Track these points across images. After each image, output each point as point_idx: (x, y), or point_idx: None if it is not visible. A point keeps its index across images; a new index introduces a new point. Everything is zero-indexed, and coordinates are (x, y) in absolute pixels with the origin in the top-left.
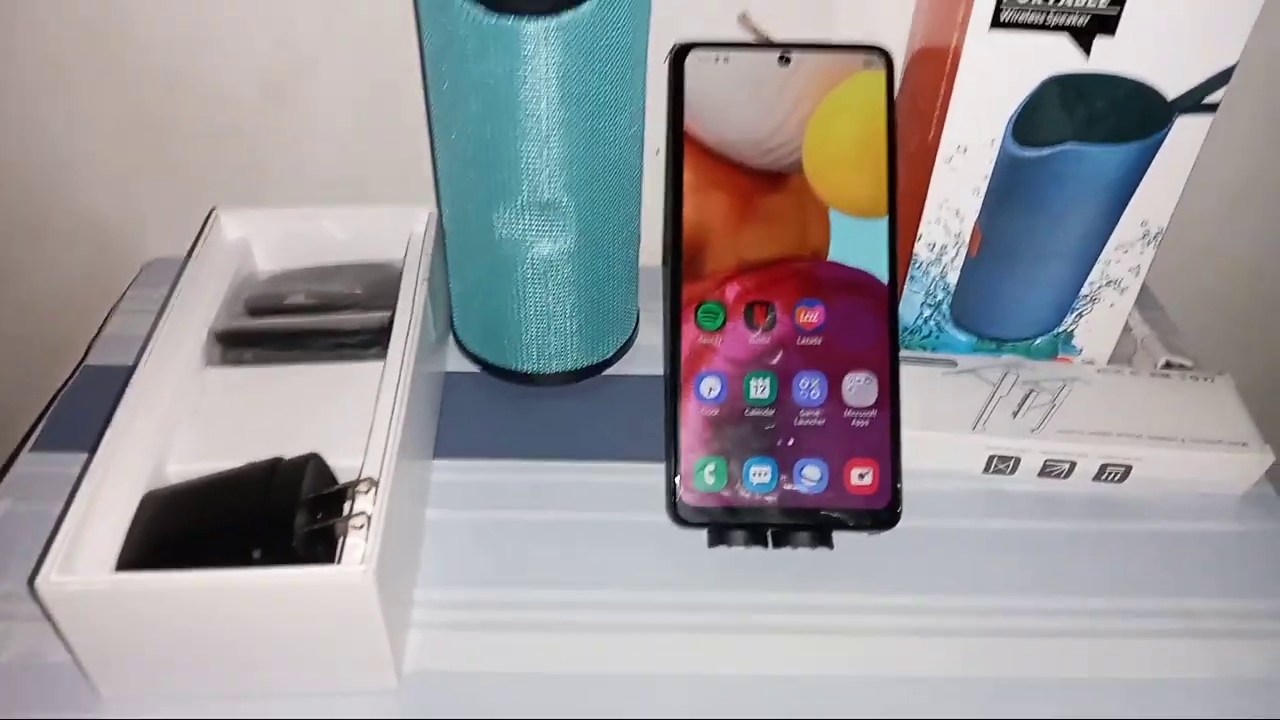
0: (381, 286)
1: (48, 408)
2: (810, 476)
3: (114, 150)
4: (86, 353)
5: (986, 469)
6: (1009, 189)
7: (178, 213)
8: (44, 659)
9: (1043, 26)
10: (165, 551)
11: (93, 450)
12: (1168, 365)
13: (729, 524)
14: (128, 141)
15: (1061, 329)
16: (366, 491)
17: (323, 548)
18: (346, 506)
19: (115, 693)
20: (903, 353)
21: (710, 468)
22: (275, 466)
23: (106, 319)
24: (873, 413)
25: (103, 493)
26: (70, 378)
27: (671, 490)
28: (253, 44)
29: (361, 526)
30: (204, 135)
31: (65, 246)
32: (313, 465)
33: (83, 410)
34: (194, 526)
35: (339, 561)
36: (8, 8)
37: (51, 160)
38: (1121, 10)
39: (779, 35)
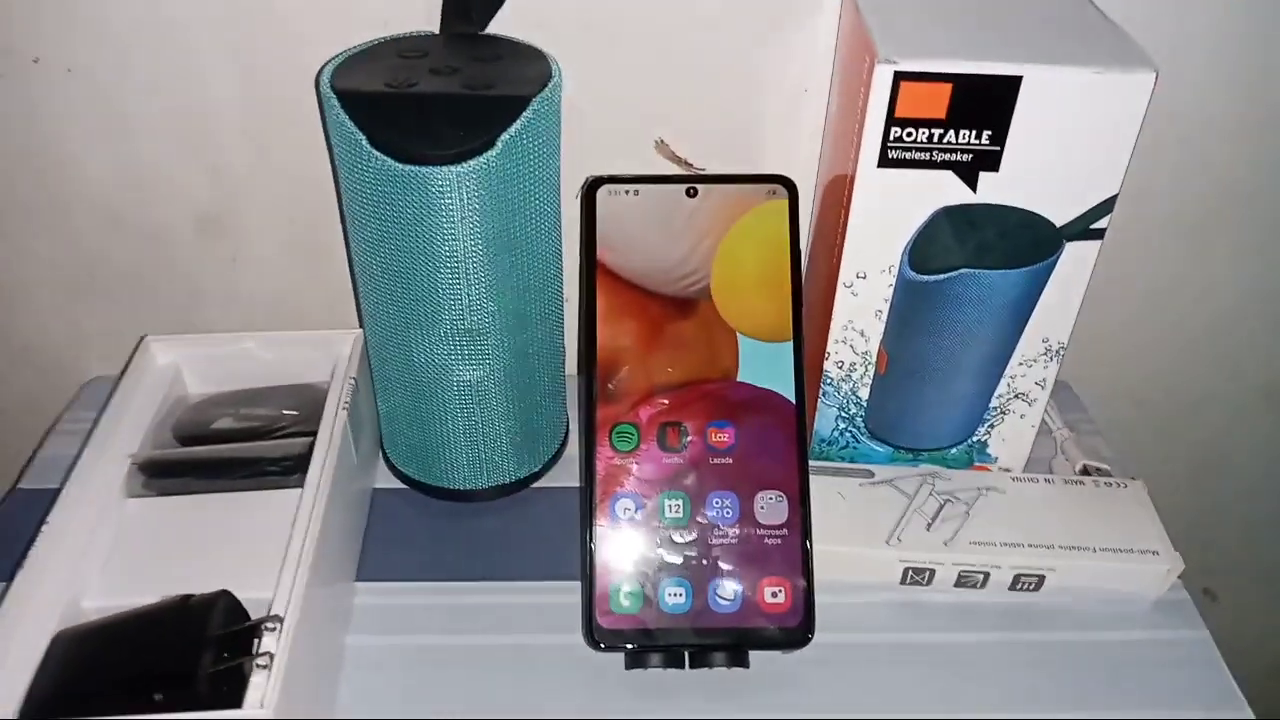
0: (308, 409)
1: None
2: (725, 596)
3: (53, 278)
4: (20, 475)
5: (903, 580)
6: (910, 311)
7: (118, 335)
8: None
9: (929, 164)
10: (73, 693)
11: (8, 584)
12: (1085, 470)
13: (645, 647)
14: (66, 270)
15: (975, 439)
16: (274, 629)
17: (230, 688)
18: (255, 644)
19: None
20: (819, 464)
21: (626, 589)
22: (185, 604)
23: (42, 440)
24: (784, 531)
25: (10, 631)
26: (1, 503)
27: (588, 615)
28: (185, 180)
29: (266, 665)
30: (141, 263)
31: (6, 367)
32: (222, 602)
33: (11, 535)
34: (101, 667)
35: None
36: None
37: None
38: (1003, 149)
39: (700, 163)
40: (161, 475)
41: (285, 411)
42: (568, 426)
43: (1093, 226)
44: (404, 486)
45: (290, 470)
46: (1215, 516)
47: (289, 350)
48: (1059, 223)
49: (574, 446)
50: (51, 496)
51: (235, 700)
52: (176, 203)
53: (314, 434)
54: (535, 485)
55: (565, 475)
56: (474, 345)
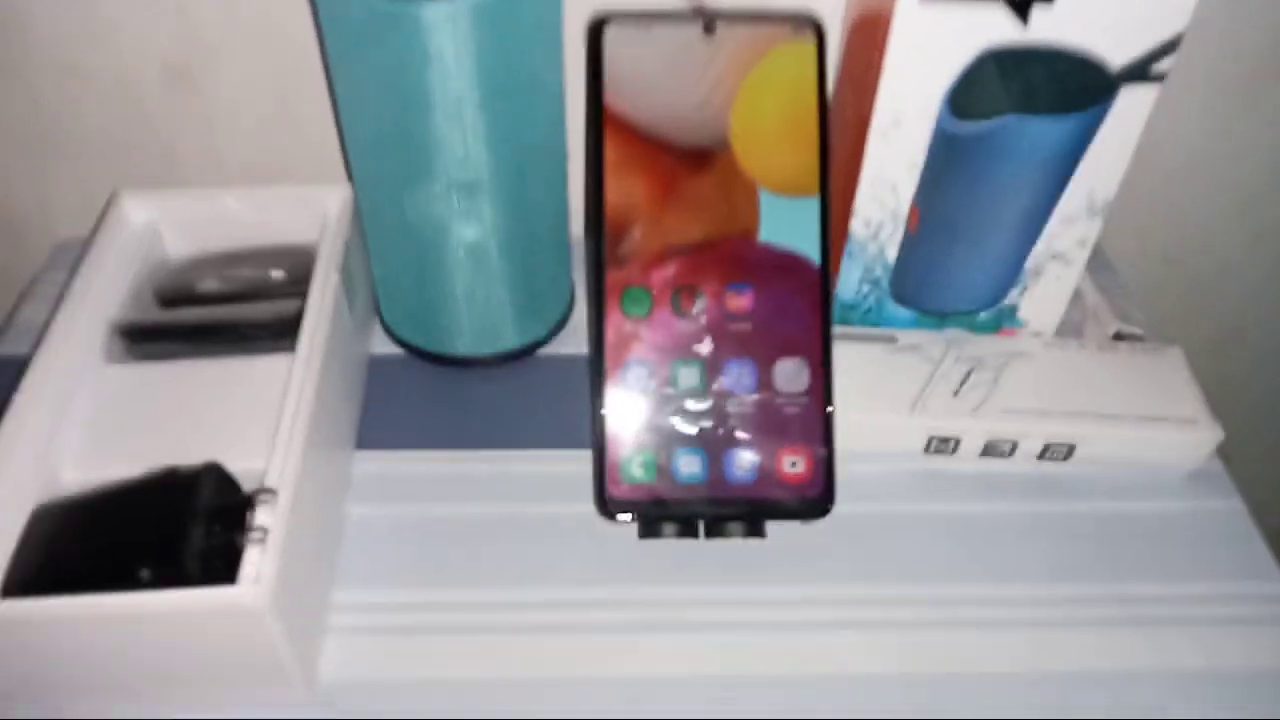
0: (299, 269)
1: None
2: (741, 466)
3: (15, 136)
4: None
5: (926, 450)
6: (946, 164)
7: (89, 197)
8: None
9: None
10: (55, 571)
11: None
12: (1118, 335)
13: (659, 516)
14: (29, 126)
15: (1006, 302)
16: (268, 501)
17: (221, 564)
18: (249, 518)
19: (11, 714)
20: (842, 329)
21: (638, 459)
22: (172, 476)
23: (16, 306)
24: (804, 399)
25: None
26: None
27: (599, 484)
28: (152, 29)
29: (260, 540)
30: (108, 121)
31: None
32: (211, 474)
33: None
34: (83, 544)
35: (238, 579)
36: None
37: None
38: None
39: (714, 3)
40: (143, 340)
41: (273, 273)
42: (574, 292)
43: (1152, 70)
44: (402, 353)
45: (281, 334)
46: (1234, 386)
47: (274, 208)
48: (1116, 64)
49: (580, 313)
50: (25, 362)
51: (228, 578)
52: (140, 50)
53: (304, 296)
54: (540, 353)
55: (572, 343)
56: (472, 201)
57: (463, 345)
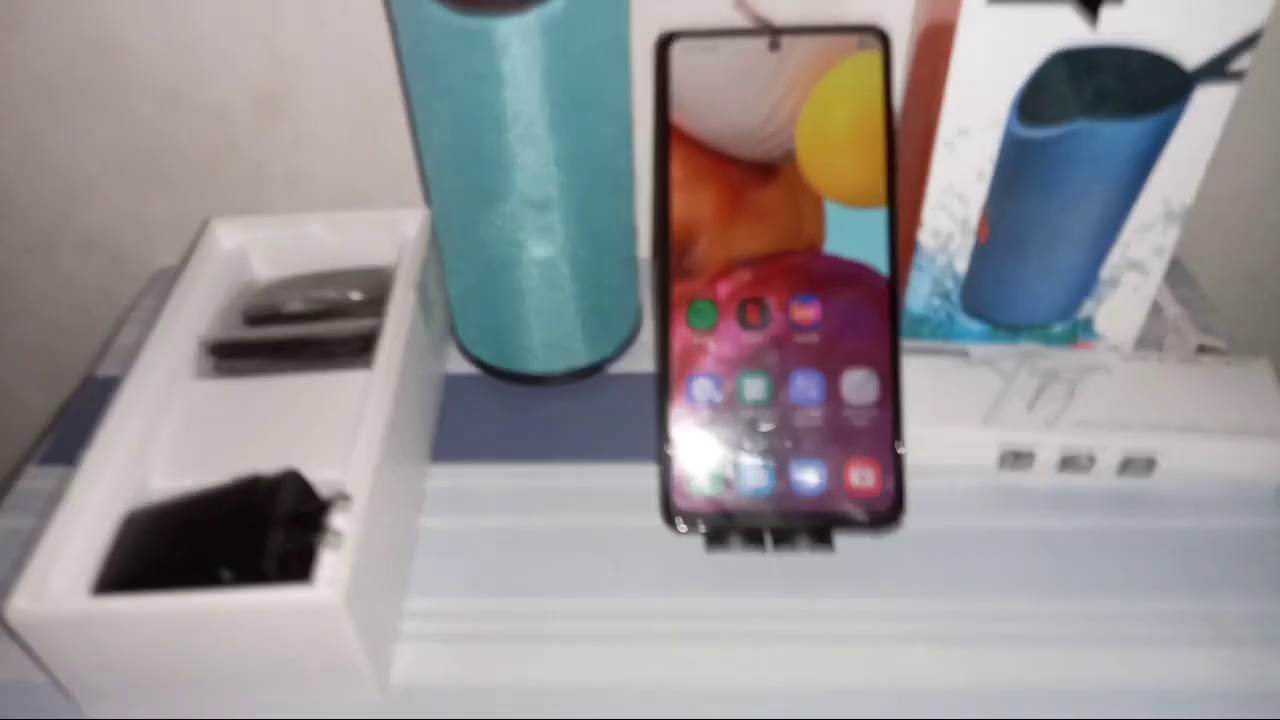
0: (378, 290)
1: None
2: (809, 477)
3: (116, 165)
4: (96, 364)
5: (1001, 464)
6: (1016, 172)
7: (183, 223)
8: (33, 680)
9: None
10: (144, 571)
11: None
12: (1201, 348)
13: (726, 528)
14: (128, 156)
15: (1081, 314)
16: (344, 507)
17: (298, 566)
18: (326, 523)
19: (101, 713)
20: (912, 343)
21: (705, 471)
22: (254, 483)
23: (115, 330)
24: (873, 411)
25: (80, 512)
26: (79, 390)
27: (665, 495)
28: (240, 58)
29: (336, 544)
30: (201, 147)
31: (77, 261)
32: (291, 481)
33: (87, 423)
34: (171, 547)
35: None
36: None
37: (54, 178)
38: None
39: (778, 18)
40: (230, 356)
41: (353, 294)
42: (641, 311)
43: (1230, 68)
44: (476, 371)
45: (360, 351)
46: None
47: (355, 231)
48: (1191, 63)
49: (648, 332)
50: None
51: (305, 579)
52: (232, 79)
53: (383, 315)
54: (608, 370)
55: (639, 361)
56: (544, 218)
57: (534, 362)
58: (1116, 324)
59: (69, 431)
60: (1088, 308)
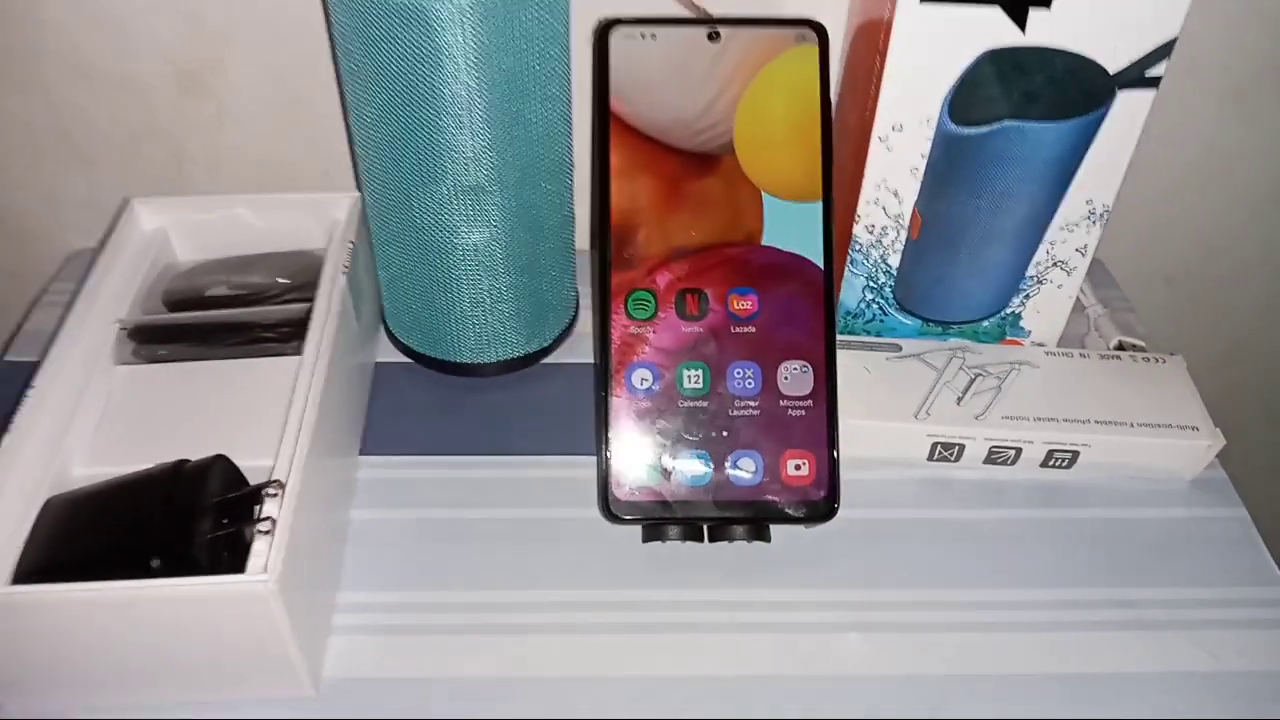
0: (306, 275)
1: None
2: (745, 468)
3: (23, 146)
4: (4, 349)
5: (930, 457)
6: (947, 169)
7: (98, 205)
8: None
9: None
10: (65, 560)
11: None
12: (1120, 346)
13: (663, 519)
14: (41, 131)
15: (1009, 311)
16: (275, 494)
17: (229, 555)
18: (256, 511)
19: (17, 706)
20: (846, 338)
21: (643, 461)
22: (180, 469)
23: (27, 313)
24: (808, 402)
25: (0, 497)
26: None
27: (603, 486)
28: (162, 33)
29: (267, 532)
30: (119, 123)
31: None
32: (219, 467)
33: None
34: (94, 534)
35: (245, 570)
36: None
37: None
38: None
39: (717, 10)
40: (152, 341)
41: (279, 279)
42: (578, 302)
43: (1148, 73)
44: (407, 361)
45: (287, 338)
46: (1236, 397)
47: (282, 215)
48: (1112, 69)
49: (585, 323)
50: (38, 361)
51: (236, 568)
52: (152, 52)
53: (311, 301)
54: (545, 361)
55: (576, 352)
56: (478, 204)
57: (467, 352)
58: (1042, 321)
59: None
60: (1015, 304)
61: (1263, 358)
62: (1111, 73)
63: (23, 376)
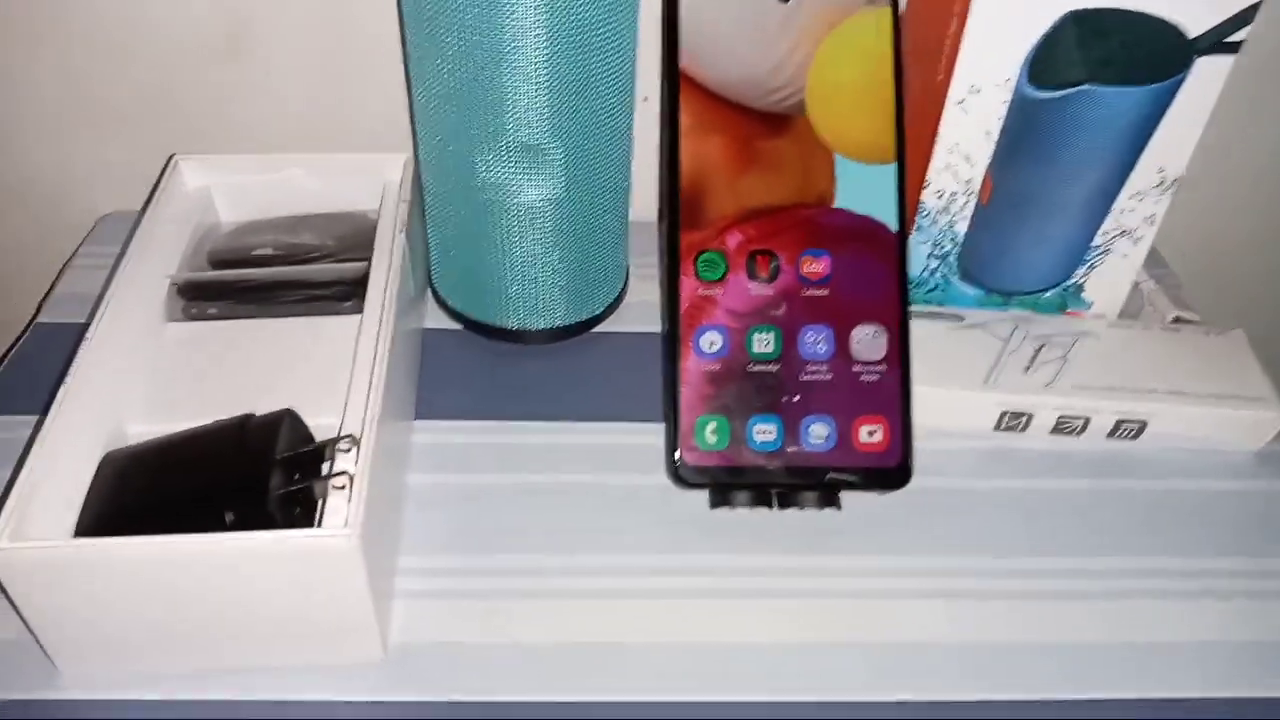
0: (354, 238)
1: None
2: (817, 434)
3: (60, 103)
4: (37, 311)
5: (997, 426)
6: (1022, 133)
7: (133, 167)
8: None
9: None
10: (127, 516)
11: (45, 411)
12: (1177, 319)
13: (732, 484)
14: (75, 93)
15: (1071, 281)
16: (348, 450)
17: (300, 511)
18: (326, 466)
19: (77, 671)
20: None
21: (712, 426)
22: (246, 423)
23: (59, 277)
24: (882, 367)
25: (57, 454)
26: (20, 337)
27: (672, 450)
28: None
29: (343, 487)
30: (155, 86)
31: (14, 204)
32: (288, 421)
33: (34, 371)
34: (159, 489)
35: (319, 525)
36: None
37: None
38: None
39: None
40: (202, 298)
41: (328, 239)
42: (628, 273)
43: (1228, 39)
44: (454, 327)
45: (343, 297)
46: None
47: (333, 175)
48: (1193, 32)
49: (634, 294)
50: (82, 326)
51: (308, 524)
52: (189, 12)
53: (362, 261)
54: (595, 330)
55: (626, 321)
56: (535, 162)
57: (516, 318)
58: (1104, 292)
59: (16, 380)
60: (1079, 274)
61: None
62: (1191, 36)
63: (57, 339)
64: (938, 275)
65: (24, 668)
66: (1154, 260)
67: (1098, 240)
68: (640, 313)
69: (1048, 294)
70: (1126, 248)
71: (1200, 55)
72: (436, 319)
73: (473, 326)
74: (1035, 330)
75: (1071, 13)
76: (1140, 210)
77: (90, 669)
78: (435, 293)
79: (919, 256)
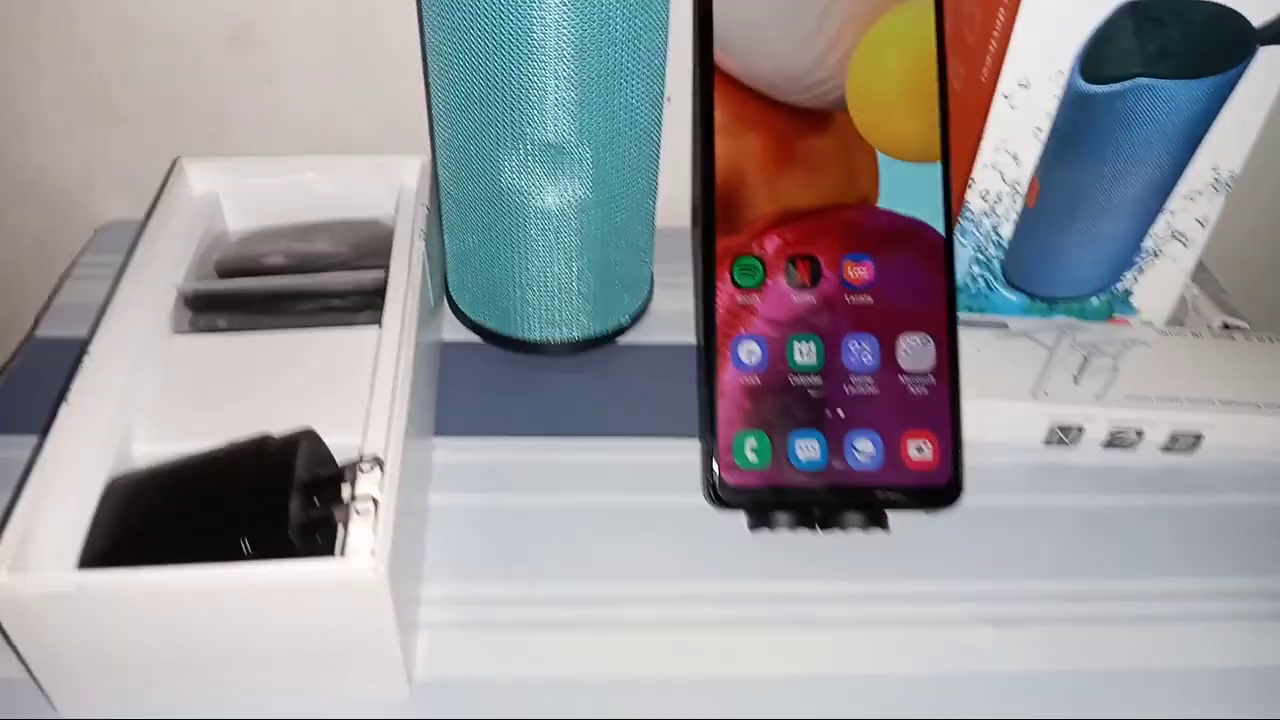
0: (369, 246)
1: None
2: (863, 450)
3: (59, 102)
4: (35, 325)
5: (1046, 440)
6: (1072, 130)
7: (135, 171)
8: None
9: None
10: (136, 545)
11: (45, 431)
12: (1225, 326)
13: (773, 505)
14: (74, 92)
15: (1119, 287)
16: (370, 471)
17: (321, 538)
18: (347, 490)
19: (78, 712)
20: None
21: (751, 443)
22: (262, 445)
23: (57, 288)
24: (930, 379)
25: (59, 478)
26: (16, 353)
27: (709, 468)
28: None
29: (367, 512)
30: (160, 84)
31: (9, 210)
32: (307, 442)
33: (32, 388)
34: (169, 516)
35: (342, 553)
36: None
37: None
38: None
39: None
40: (211, 309)
41: (342, 248)
42: (652, 283)
43: None
44: (473, 339)
45: (359, 308)
46: None
47: (345, 177)
48: (1257, 21)
49: (659, 303)
50: (83, 341)
51: (329, 552)
52: (199, 4)
53: (378, 270)
54: (619, 342)
55: (651, 332)
56: (561, 164)
57: (537, 329)
58: (1153, 298)
59: (12, 397)
60: (1127, 279)
61: None
62: (1255, 25)
63: (55, 354)
64: (981, 281)
65: (20, 709)
66: (1198, 268)
67: (1147, 243)
68: (666, 323)
69: (1095, 300)
70: (1177, 251)
71: (1264, 45)
72: (453, 330)
73: (491, 338)
74: (1082, 338)
75: (1128, 3)
76: (1192, 211)
77: (92, 708)
78: (452, 302)
79: (962, 262)
